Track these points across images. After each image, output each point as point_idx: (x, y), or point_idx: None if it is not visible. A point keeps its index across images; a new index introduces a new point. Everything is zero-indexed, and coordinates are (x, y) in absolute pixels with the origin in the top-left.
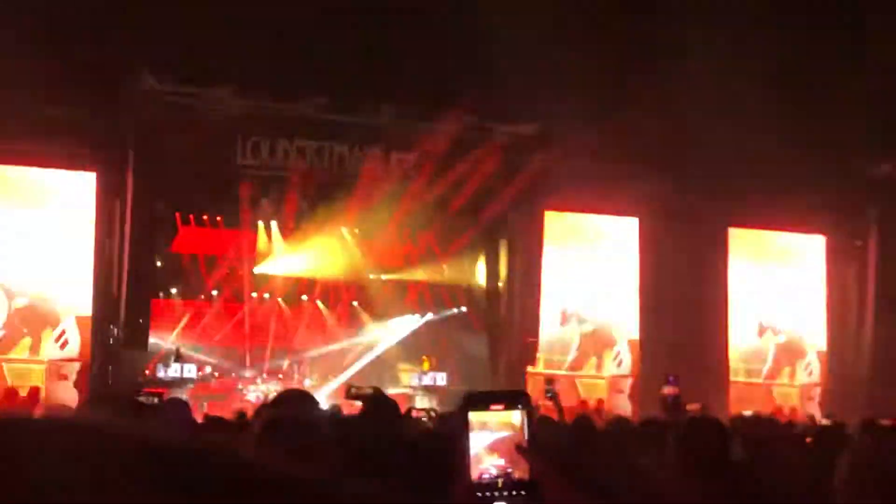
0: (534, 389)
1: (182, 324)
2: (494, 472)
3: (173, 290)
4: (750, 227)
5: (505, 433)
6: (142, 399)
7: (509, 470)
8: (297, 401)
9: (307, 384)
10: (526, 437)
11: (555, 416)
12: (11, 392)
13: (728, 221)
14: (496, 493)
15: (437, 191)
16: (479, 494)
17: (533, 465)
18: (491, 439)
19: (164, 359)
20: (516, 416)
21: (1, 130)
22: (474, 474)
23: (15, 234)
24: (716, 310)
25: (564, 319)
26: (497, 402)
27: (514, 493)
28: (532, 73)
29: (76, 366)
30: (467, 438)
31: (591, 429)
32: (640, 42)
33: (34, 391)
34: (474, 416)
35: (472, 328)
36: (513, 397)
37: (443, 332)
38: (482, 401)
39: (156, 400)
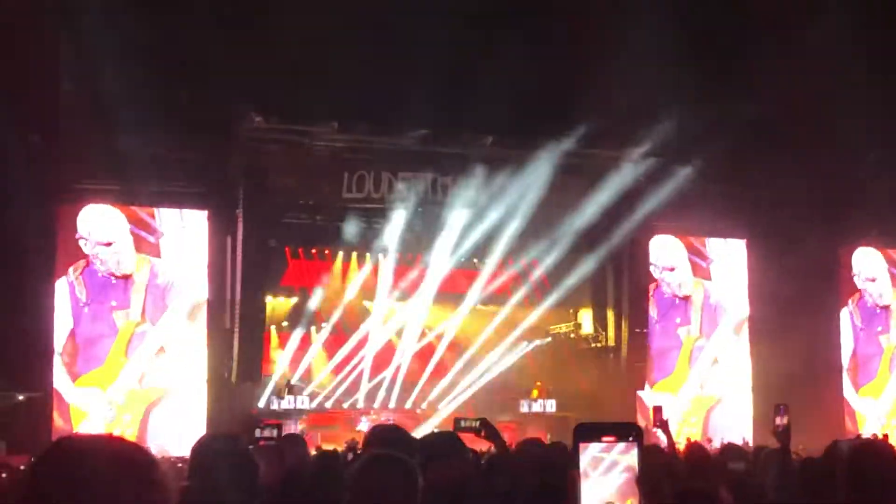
0: (643, 416)
1: (292, 356)
2: None
3: (284, 324)
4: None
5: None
6: (261, 433)
7: None
8: (387, 440)
9: (418, 412)
10: (637, 472)
11: (664, 446)
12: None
13: (842, 241)
14: None
15: (542, 217)
16: None
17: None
18: (620, 481)
19: (278, 391)
20: (628, 450)
21: (118, 173)
22: None
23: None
24: (828, 337)
25: (671, 344)
26: (608, 433)
27: None
28: (636, 97)
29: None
30: (578, 469)
31: (706, 458)
32: (750, 64)
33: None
34: (585, 449)
35: (582, 354)
36: (624, 429)
37: (552, 359)
38: (593, 432)
39: (274, 432)
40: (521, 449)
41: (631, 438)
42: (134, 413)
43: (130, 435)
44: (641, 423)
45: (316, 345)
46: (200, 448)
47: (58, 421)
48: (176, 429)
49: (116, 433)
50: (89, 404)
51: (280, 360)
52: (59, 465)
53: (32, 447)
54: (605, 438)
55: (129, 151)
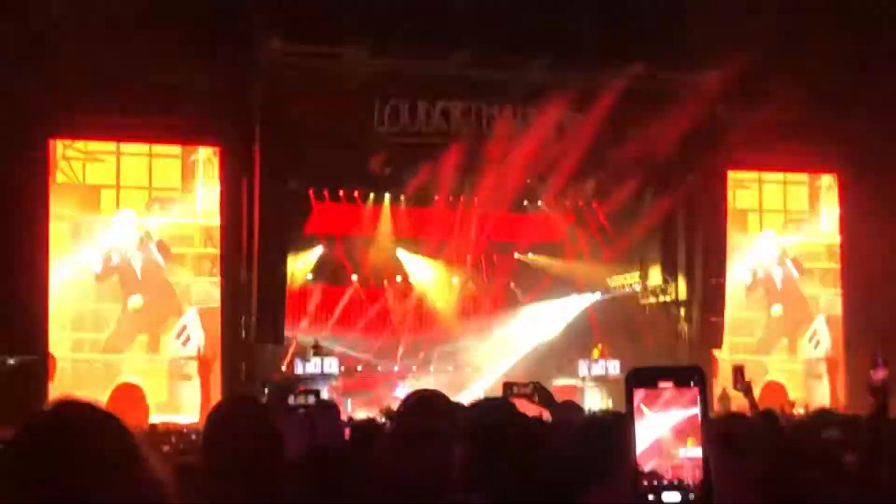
0: (721, 378)
1: (318, 313)
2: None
3: (309, 276)
4: None
5: (692, 410)
6: (299, 400)
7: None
8: (423, 408)
9: (462, 376)
10: (700, 422)
11: (748, 412)
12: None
13: None
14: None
15: (603, 152)
16: (647, 484)
17: (708, 461)
18: (679, 418)
19: (302, 353)
20: (689, 397)
21: (116, 102)
22: (652, 465)
23: (130, 220)
24: None
25: (750, 293)
26: (666, 378)
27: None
28: (710, 14)
29: (198, 364)
30: (633, 421)
31: (774, 427)
32: None
33: (127, 392)
34: (641, 396)
35: (648, 308)
36: (685, 373)
37: (614, 315)
38: (649, 377)
39: (311, 399)
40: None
41: (693, 383)
42: (138, 378)
43: (136, 402)
44: (718, 387)
45: (345, 300)
46: (215, 415)
47: (54, 389)
48: (186, 397)
49: (115, 402)
50: (89, 370)
51: (305, 318)
52: (42, 436)
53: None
54: (662, 384)
55: (129, 79)
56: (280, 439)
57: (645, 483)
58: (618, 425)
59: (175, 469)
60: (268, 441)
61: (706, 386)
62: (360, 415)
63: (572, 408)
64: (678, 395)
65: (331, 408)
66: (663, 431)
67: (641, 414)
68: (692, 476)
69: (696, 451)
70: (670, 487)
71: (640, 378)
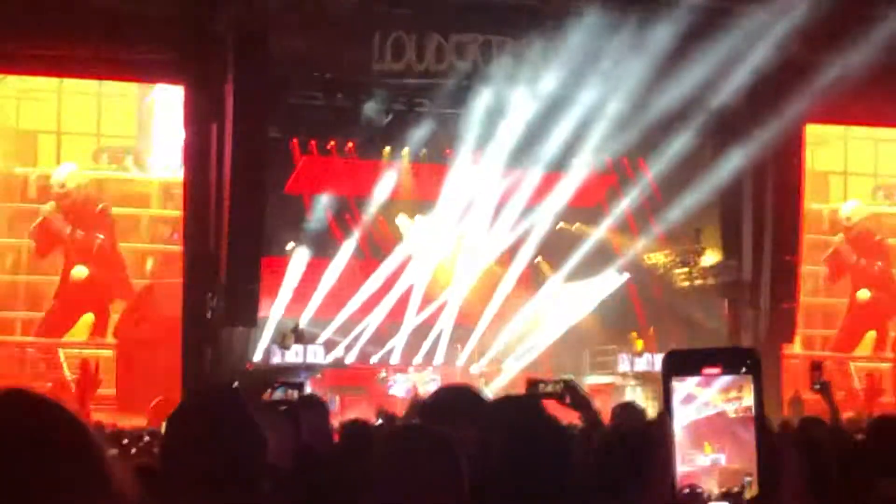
0: (793, 377)
1: (300, 289)
2: (706, 479)
3: (289, 245)
4: None
5: (722, 407)
6: (277, 395)
7: (728, 467)
8: (455, 409)
9: (474, 371)
10: (753, 414)
11: (826, 417)
12: (65, 385)
13: None
14: None
15: (649, 96)
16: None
17: (762, 461)
18: (696, 416)
19: (281, 339)
20: (739, 386)
21: (58, 29)
22: (681, 473)
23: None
24: None
25: (835, 274)
26: (711, 363)
27: None
28: None
29: (154, 351)
30: (671, 420)
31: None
32: None
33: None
34: (680, 387)
35: (704, 291)
36: (734, 357)
37: (661, 297)
38: (691, 362)
39: (294, 394)
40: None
41: (745, 370)
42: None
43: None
44: (789, 389)
45: (333, 274)
46: (185, 410)
47: None
48: (138, 389)
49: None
50: (20, 357)
51: (283, 295)
52: None
53: None
54: (706, 370)
55: (71, 3)
56: (263, 441)
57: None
58: (649, 436)
59: (135, 471)
60: (248, 443)
61: (760, 373)
62: (351, 416)
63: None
64: (726, 384)
65: (317, 405)
66: (706, 430)
67: (682, 408)
68: (739, 482)
69: (739, 451)
70: (718, 498)
71: (680, 364)
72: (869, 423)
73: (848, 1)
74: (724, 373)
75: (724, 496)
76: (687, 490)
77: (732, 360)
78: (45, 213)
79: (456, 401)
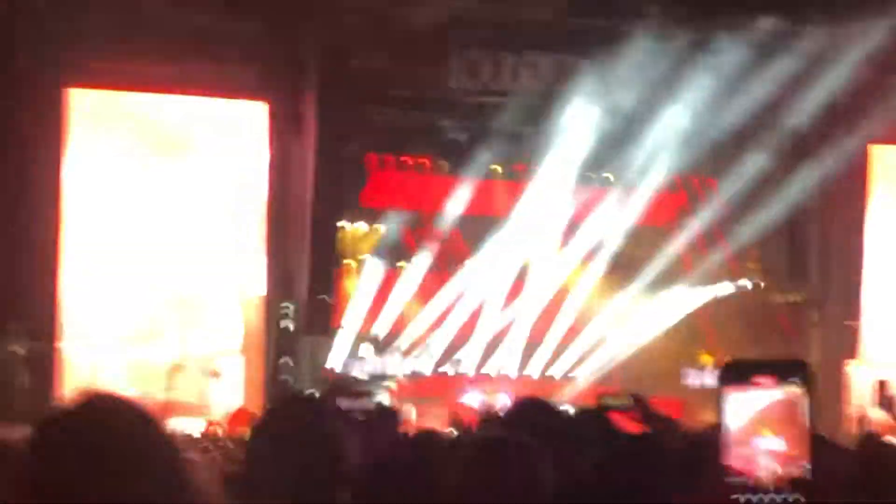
0: (859, 394)
1: (376, 301)
2: (766, 460)
3: (365, 256)
4: None
5: (782, 396)
6: (347, 403)
7: (790, 455)
8: (532, 422)
9: (546, 382)
10: (807, 426)
11: (893, 434)
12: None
13: None
14: (762, 497)
15: (720, 117)
16: (737, 496)
17: (811, 480)
18: (760, 406)
19: (358, 349)
20: (793, 396)
21: (150, 49)
22: (735, 462)
23: (155, 190)
24: None
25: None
26: (764, 373)
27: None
28: None
29: (235, 360)
30: (724, 422)
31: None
32: None
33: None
34: (734, 396)
35: (771, 308)
36: (787, 368)
37: (730, 315)
38: (744, 372)
39: (369, 403)
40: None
41: (798, 381)
42: (158, 379)
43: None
44: (854, 404)
45: (407, 285)
46: (269, 419)
47: (63, 384)
48: (214, 397)
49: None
50: (104, 362)
51: (358, 306)
52: (67, 436)
53: (31, 417)
54: (759, 380)
55: (161, 20)
56: (342, 451)
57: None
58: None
59: (222, 478)
60: (327, 453)
61: (813, 384)
62: (426, 425)
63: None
64: (778, 395)
65: (391, 415)
66: (766, 415)
67: (736, 419)
68: (799, 467)
69: (782, 444)
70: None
71: (734, 374)
72: None
73: None
74: (778, 383)
75: (786, 482)
76: (738, 480)
77: (786, 371)
78: None
79: (533, 413)
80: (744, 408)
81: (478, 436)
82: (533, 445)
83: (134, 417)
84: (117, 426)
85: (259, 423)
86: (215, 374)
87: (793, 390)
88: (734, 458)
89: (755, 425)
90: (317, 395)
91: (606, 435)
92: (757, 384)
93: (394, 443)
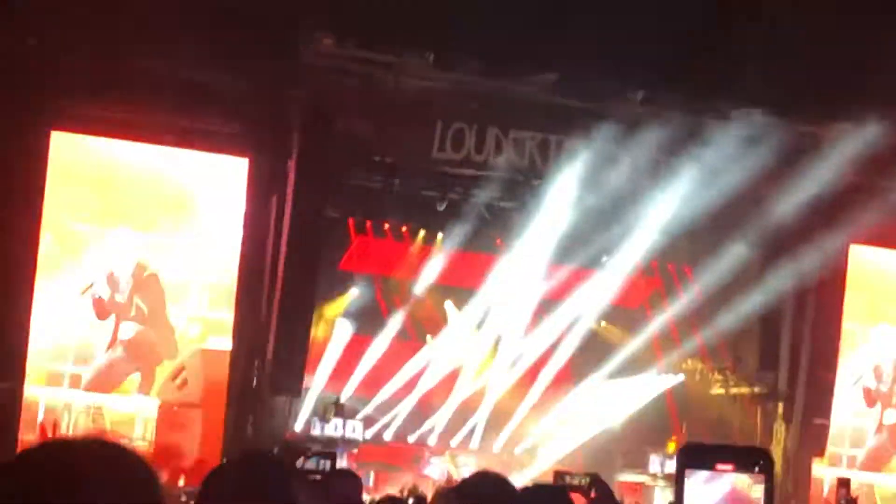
0: (819, 492)
1: (343, 364)
2: None
3: (339, 320)
4: None
5: (744, 490)
6: (310, 464)
7: None
8: (487, 495)
9: (509, 458)
10: None
11: None
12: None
13: None
14: None
15: (701, 205)
16: None
17: None
18: (721, 492)
19: (322, 411)
20: (752, 484)
21: (139, 99)
22: None
23: (132, 241)
24: None
25: (871, 401)
26: (725, 458)
27: None
28: (842, 57)
29: (196, 413)
30: None
31: None
32: None
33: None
34: (693, 479)
35: (739, 400)
36: (748, 456)
37: (696, 402)
38: (704, 456)
39: (326, 465)
40: None
41: (757, 469)
42: (125, 427)
43: None
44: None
45: (376, 351)
46: (224, 470)
47: (26, 431)
48: (184, 448)
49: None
50: (69, 407)
51: (324, 369)
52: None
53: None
54: (719, 466)
55: (147, 71)
56: None
57: None
58: None
59: None
60: None
61: (772, 473)
62: (385, 492)
63: None
64: (740, 481)
65: (349, 477)
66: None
67: (705, 487)
68: None
69: None
70: None
71: (694, 457)
72: None
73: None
74: (737, 470)
75: None
76: None
77: (746, 458)
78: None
79: (487, 487)
80: (702, 492)
81: None
82: None
83: (130, 464)
84: (98, 474)
85: (212, 474)
86: (180, 427)
87: (752, 478)
88: None
89: None
90: (275, 452)
91: None
92: (717, 469)
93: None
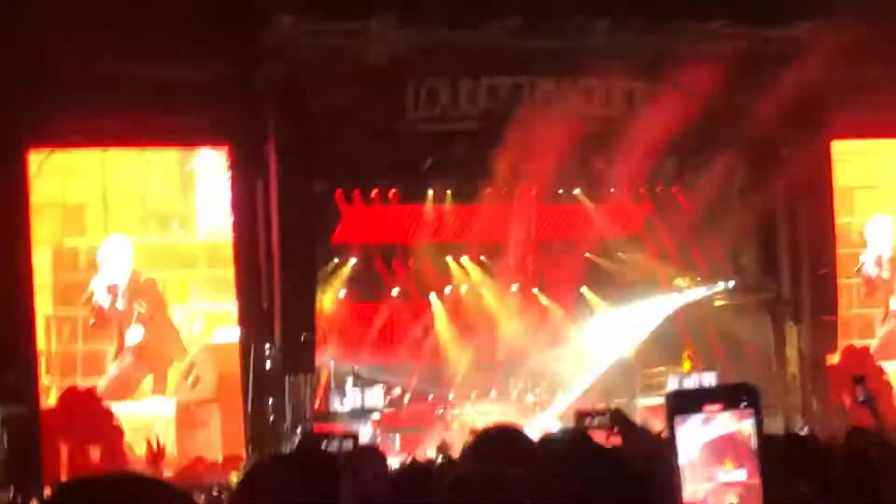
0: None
1: (353, 335)
2: (728, 493)
3: (341, 293)
4: None
5: (738, 427)
6: (332, 447)
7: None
8: (497, 450)
9: (530, 401)
10: (753, 449)
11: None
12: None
13: None
14: None
15: (680, 124)
16: None
17: (766, 490)
18: (714, 435)
19: (339, 384)
20: (740, 420)
21: (106, 104)
22: (697, 495)
23: (125, 248)
24: None
25: (872, 290)
26: (712, 400)
27: None
28: None
29: (214, 409)
30: (675, 453)
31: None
32: None
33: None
34: (683, 425)
35: (747, 309)
36: (734, 393)
37: (705, 318)
38: (692, 401)
39: (349, 444)
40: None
41: (744, 405)
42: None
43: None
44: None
45: (384, 317)
46: (260, 471)
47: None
48: (199, 448)
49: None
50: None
51: (335, 343)
52: None
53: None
54: (707, 408)
55: (114, 74)
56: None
57: None
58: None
59: None
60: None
61: (760, 405)
62: (411, 454)
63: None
64: (729, 419)
65: (373, 452)
66: (727, 446)
67: (703, 427)
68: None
69: (739, 475)
70: None
71: (683, 402)
72: None
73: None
74: (726, 409)
75: None
76: None
77: (733, 396)
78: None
79: (502, 441)
80: (695, 437)
81: (453, 473)
82: (518, 479)
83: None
84: None
85: (255, 475)
86: (202, 425)
87: (740, 414)
88: (697, 493)
89: (714, 457)
90: (298, 439)
91: (586, 456)
92: (706, 411)
93: (379, 480)
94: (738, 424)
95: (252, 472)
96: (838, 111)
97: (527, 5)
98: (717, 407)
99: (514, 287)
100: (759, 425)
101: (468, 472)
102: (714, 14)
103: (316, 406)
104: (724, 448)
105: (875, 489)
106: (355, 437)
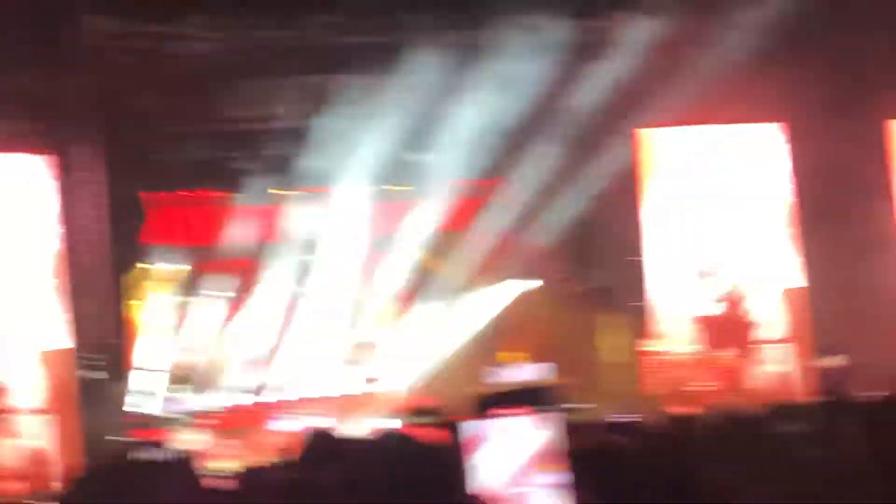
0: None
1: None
2: (547, 495)
3: (168, 295)
4: None
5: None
6: (141, 455)
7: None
8: (311, 454)
9: (356, 394)
10: (556, 448)
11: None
12: None
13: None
14: None
15: (500, 118)
16: None
17: (571, 486)
18: (520, 437)
19: (156, 389)
20: (545, 422)
21: None
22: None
23: None
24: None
25: (701, 275)
26: (514, 403)
27: None
28: None
29: (47, 418)
30: (469, 453)
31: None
32: None
33: None
34: (488, 428)
35: (566, 299)
36: (533, 396)
37: (528, 311)
38: (495, 405)
39: (156, 454)
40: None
41: (548, 406)
42: None
43: None
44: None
45: (198, 318)
46: (90, 480)
47: None
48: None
49: None
50: None
51: (148, 345)
52: None
53: None
54: (507, 409)
55: None
56: None
57: None
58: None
59: None
60: None
61: (558, 405)
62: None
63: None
64: (528, 419)
65: (183, 461)
66: (512, 458)
67: (486, 442)
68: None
69: (547, 478)
70: None
71: (486, 406)
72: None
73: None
74: (530, 409)
75: None
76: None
77: (532, 397)
78: None
79: (314, 444)
80: (500, 437)
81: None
82: (326, 485)
83: None
84: None
85: (77, 484)
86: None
87: (537, 414)
88: (513, 497)
89: (524, 457)
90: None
91: (398, 454)
92: (508, 413)
93: (190, 487)
94: (542, 425)
95: (77, 482)
96: (648, 101)
97: (336, 3)
98: (516, 409)
99: (338, 279)
100: (558, 424)
101: (277, 477)
102: (529, 6)
103: (135, 411)
104: (533, 449)
105: (692, 471)
106: (159, 444)
